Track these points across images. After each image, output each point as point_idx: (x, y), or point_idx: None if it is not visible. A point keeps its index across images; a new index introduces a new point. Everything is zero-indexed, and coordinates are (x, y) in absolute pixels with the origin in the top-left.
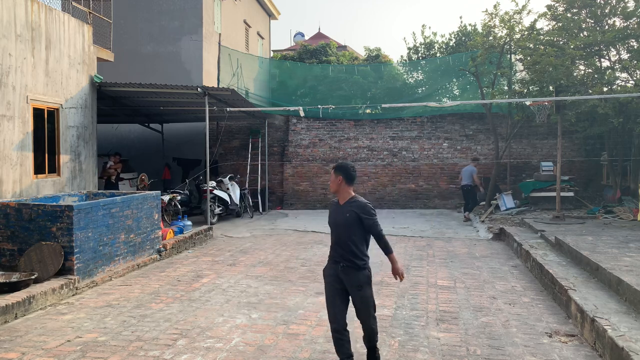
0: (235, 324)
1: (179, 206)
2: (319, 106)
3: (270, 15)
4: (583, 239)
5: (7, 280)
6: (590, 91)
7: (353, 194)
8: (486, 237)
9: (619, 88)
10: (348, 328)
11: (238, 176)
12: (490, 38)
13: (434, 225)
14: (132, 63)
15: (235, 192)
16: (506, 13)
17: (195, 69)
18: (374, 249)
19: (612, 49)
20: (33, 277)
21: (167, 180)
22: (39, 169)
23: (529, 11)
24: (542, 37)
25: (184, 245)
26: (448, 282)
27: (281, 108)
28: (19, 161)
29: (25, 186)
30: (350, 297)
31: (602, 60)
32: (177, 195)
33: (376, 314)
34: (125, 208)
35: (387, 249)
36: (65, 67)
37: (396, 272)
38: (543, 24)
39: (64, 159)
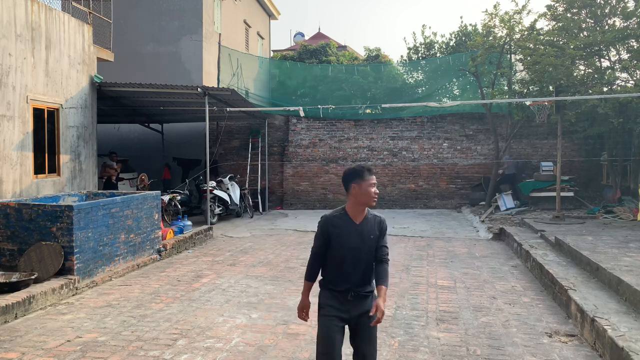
0: (235, 324)
1: (179, 206)
2: (319, 106)
3: (270, 15)
4: (583, 239)
5: (7, 280)
6: (590, 91)
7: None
8: (486, 237)
9: (619, 88)
10: None
11: (238, 176)
12: (490, 38)
13: (434, 225)
14: (132, 63)
15: (235, 192)
16: (506, 13)
17: (195, 69)
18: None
19: (612, 49)
20: (33, 277)
21: (167, 180)
22: (39, 169)
23: (529, 11)
24: (542, 37)
25: (184, 245)
26: (448, 282)
27: (281, 108)
28: (19, 161)
29: (25, 186)
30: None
31: (602, 60)
32: (177, 195)
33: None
34: (125, 208)
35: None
36: (65, 67)
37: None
38: (543, 24)
39: (64, 159)
